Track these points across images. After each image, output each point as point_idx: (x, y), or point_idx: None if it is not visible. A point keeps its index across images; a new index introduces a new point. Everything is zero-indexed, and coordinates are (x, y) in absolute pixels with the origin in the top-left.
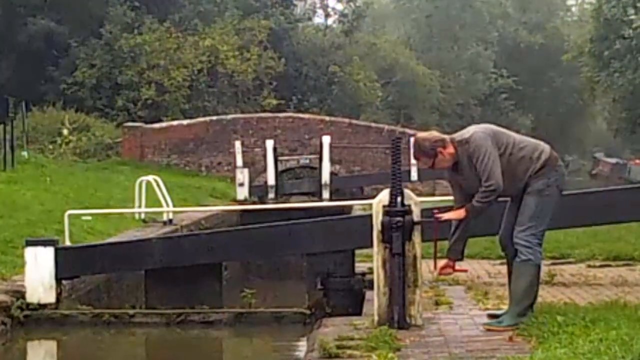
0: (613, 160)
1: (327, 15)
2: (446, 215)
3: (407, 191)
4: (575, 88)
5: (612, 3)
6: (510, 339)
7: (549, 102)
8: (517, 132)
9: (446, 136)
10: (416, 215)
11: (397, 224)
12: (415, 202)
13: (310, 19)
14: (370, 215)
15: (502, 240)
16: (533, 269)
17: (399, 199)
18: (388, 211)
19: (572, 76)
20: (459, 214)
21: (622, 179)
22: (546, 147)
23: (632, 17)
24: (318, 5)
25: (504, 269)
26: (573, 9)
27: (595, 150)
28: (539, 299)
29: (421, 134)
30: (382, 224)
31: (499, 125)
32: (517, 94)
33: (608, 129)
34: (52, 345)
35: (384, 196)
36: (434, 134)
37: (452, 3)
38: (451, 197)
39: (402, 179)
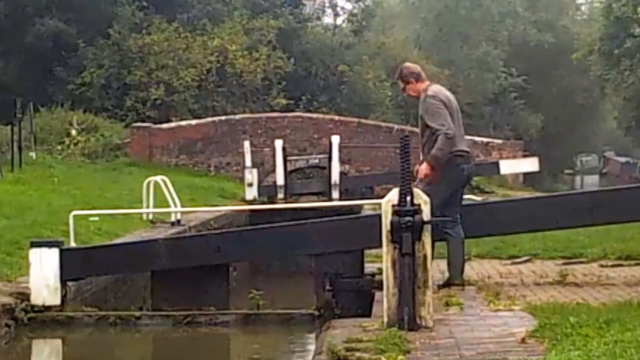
0: (623, 159)
1: (336, 15)
2: (420, 173)
3: (416, 190)
4: (585, 87)
5: (622, 1)
6: (523, 340)
7: (558, 100)
8: (527, 131)
9: (425, 77)
10: (426, 215)
11: (407, 224)
12: (424, 201)
13: (319, 18)
14: (380, 215)
15: None
16: None
17: (408, 198)
18: (397, 211)
19: (582, 75)
20: (425, 168)
21: (632, 178)
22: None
23: None
24: (327, 4)
25: (515, 268)
26: (583, 7)
27: (606, 149)
28: (550, 299)
29: (408, 63)
30: (392, 223)
31: (508, 124)
32: (527, 93)
33: (618, 127)
34: (56, 346)
35: (393, 196)
36: (418, 68)
37: (462, 2)
38: None
39: (411, 178)
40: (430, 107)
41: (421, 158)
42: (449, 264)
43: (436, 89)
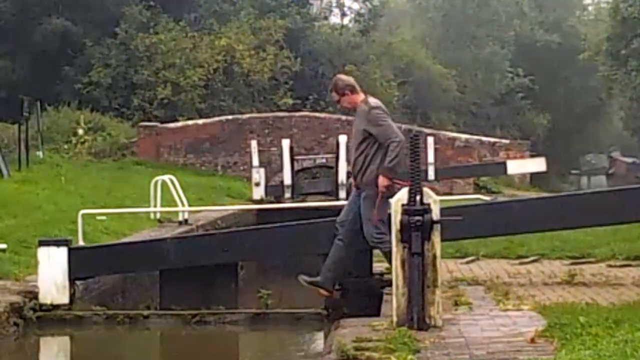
0: (629, 160)
1: (343, 15)
2: (382, 187)
3: (426, 189)
4: (592, 87)
5: (629, 2)
6: (532, 340)
7: (565, 101)
8: (534, 131)
9: (360, 89)
10: (435, 214)
11: (416, 223)
12: (434, 200)
13: (326, 18)
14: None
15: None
16: None
17: (417, 197)
18: (407, 210)
19: (589, 75)
20: (382, 181)
21: (638, 179)
22: None
23: None
24: (334, 4)
25: (523, 268)
26: (590, 7)
27: (612, 149)
28: (559, 299)
29: (342, 76)
30: (401, 223)
31: (515, 125)
32: (534, 93)
33: (625, 128)
34: (64, 344)
35: (402, 195)
36: (353, 80)
37: (469, 2)
38: (467, 196)
39: (420, 177)
40: (378, 117)
41: (356, 172)
42: (329, 269)
43: (376, 100)
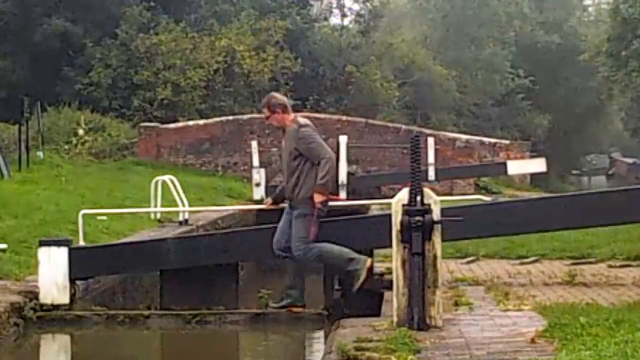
0: (630, 160)
1: (343, 16)
2: (319, 203)
3: (426, 190)
4: (592, 88)
5: (630, 2)
6: (533, 340)
7: (566, 102)
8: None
9: (291, 109)
10: (436, 215)
11: (417, 223)
12: (434, 201)
13: (326, 19)
14: (389, 215)
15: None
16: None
17: (418, 197)
18: (407, 210)
19: (590, 76)
20: (318, 198)
21: (639, 179)
22: None
23: None
24: (334, 5)
25: (523, 268)
26: (590, 8)
27: (612, 150)
28: (559, 299)
29: (276, 94)
30: (402, 223)
31: (516, 125)
32: (534, 94)
33: (625, 128)
34: (64, 343)
35: (403, 195)
36: (286, 100)
37: (469, 3)
38: (467, 196)
39: (421, 178)
40: (307, 136)
41: (289, 191)
42: (288, 285)
43: (305, 119)
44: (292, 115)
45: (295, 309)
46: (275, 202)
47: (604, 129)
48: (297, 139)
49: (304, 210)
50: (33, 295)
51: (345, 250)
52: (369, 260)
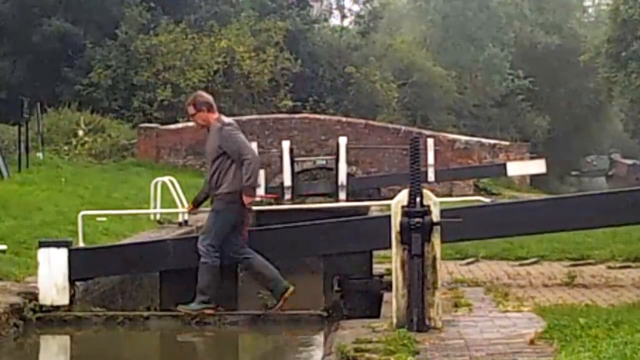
0: (630, 161)
1: (343, 17)
2: (248, 204)
3: (426, 191)
4: (592, 89)
5: (629, 4)
6: (532, 341)
7: (565, 103)
8: (534, 133)
9: (216, 109)
10: (435, 216)
11: (416, 225)
12: (434, 202)
13: (326, 20)
14: (389, 216)
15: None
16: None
17: (418, 199)
18: (407, 212)
19: (589, 77)
20: (247, 199)
21: (639, 180)
22: None
23: None
24: (334, 6)
25: (523, 270)
26: (590, 9)
27: (612, 151)
28: (559, 301)
29: (203, 92)
30: (401, 224)
31: (515, 126)
32: (534, 95)
33: (625, 130)
34: (64, 344)
35: (402, 197)
36: (212, 99)
37: (469, 4)
38: (467, 198)
39: (420, 179)
40: (232, 135)
41: (212, 189)
42: (266, 284)
43: (229, 119)
44: (216, 114)
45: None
46: (195, 205)
47: (604, 130)
48: (221, 138)
49: (218, 207)
50: (32, 296)
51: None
52: (209, 312)
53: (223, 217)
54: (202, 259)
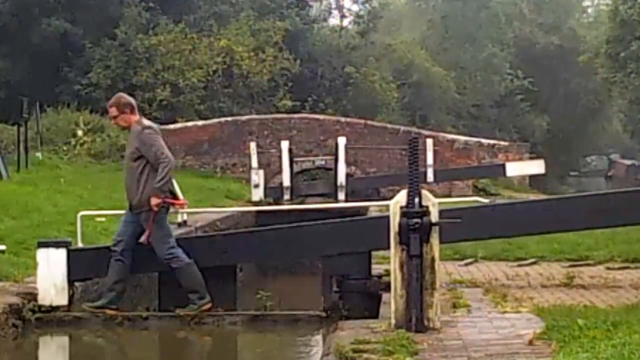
0: (629, 162)
1: (342, 17)
2: (155, 206)
3: (424, 192)
4: (591, 89)
5: (629, 4)
6: (530, 342)
7: (564, 103)
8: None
9: (137, 111)
10: (434, 217)
11: (415, 225)
12: (433, 203)
13: (325, 20)
14: (387, 217)
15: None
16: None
17: (416, 200)
18: (406, 212)
19: (588, 77)
20: (154, 201)
21: (638, 180)
22: None
23: None
24: (334, 6)
25: (522, 271)
26: (589, 10)
27: (611, 151)
28: (557, 302)
29: (124, 94)
30: (400, 225)
31: (514, 127)
32: (533, 95)
33: (624, 130)
34: (63, 344)
35: (401, 197)
36: (134, 101)
37: (468, 4)
38: (466, 198)
39: (419, 179)
40: (150, 138)
41: (130, 192)
42: (112, 289)
43: (149, 122)
44: (137, 116)
45: (109, 311)
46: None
47: (603, 131)
48: (140, 140)
49: (148, 214)
50: (32, 296)
51: (200, 281)
52: (208, 305)
53: (160, 219)
54: (173, 265)
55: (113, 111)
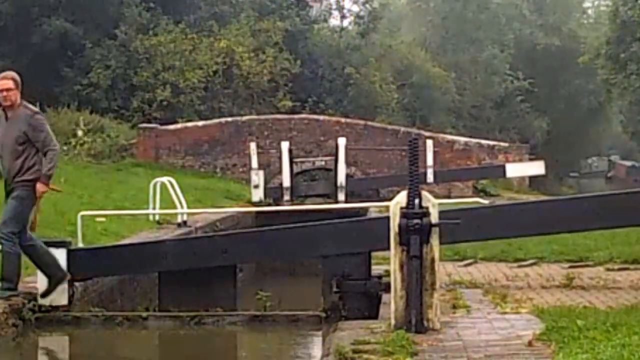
0: (629, 163)
1: (342, 17)
2: (41, 193)
3: (424, 193)
4: (591, 90)
5: (629, 5)
6: (530, 343)
7: (565, 104)
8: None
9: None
10: (434, 218)
11: (415, 226)
12: (433, 204)
13: (326, 20)
14: (387, 217)
15: None
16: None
17: (416, 200)
18: (406, 213)
19: (588, 78)
20: (41, 187)
21: (638, 182)
22: None
23: None
24: (334, 6)
25: (521, 271)
26: (589, 11)
27: (611, 153)
28: (557, 302)
29: (14, 75)
30: (400, 226)
31: (514, 128)
32: (533, 96)
33: (624, 131)
34: (62, 344)
35: (401, 198)
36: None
37: (468, 5)
38: (466, 199)
39: (419, 180)
40: (40, 124)
41: (13, 174)
42: (46, 269)
43: (36, 108)
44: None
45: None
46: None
47: (603, 132)
48: (29, 125)
49: (22, 193)
50: (32, 296)
51: (18, 273)
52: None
53: (28, 204)
54: (6, 247)
55: (10, 84)
